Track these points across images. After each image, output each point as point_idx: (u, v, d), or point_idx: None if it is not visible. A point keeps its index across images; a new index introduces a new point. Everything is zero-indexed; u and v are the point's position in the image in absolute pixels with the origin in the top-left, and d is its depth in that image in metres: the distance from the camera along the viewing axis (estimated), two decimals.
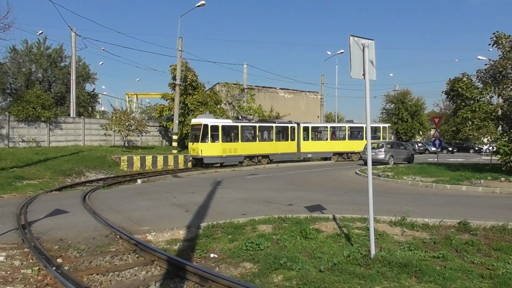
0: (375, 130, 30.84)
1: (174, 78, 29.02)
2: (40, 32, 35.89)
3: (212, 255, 6.45)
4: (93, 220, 8.87)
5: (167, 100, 32.45)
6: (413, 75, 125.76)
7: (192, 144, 23.71)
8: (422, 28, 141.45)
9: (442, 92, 20.55)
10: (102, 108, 55.22)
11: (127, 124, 27.52)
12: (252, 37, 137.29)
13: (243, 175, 20.13)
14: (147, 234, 7.71)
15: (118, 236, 7.41)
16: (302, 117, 37.53)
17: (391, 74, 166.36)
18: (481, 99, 18.54)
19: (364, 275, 5.34)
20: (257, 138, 26.40)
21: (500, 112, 18.39)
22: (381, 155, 25.65)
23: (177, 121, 28.44)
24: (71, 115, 28.88)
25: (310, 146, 29.32)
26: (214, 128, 23.40)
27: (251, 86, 40.91)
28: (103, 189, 14.75)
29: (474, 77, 19.13)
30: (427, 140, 55.01)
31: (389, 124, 32.89)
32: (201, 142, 22.88)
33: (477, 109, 17.99)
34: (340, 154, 30.24)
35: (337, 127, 31.46)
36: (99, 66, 59.91)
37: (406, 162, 26.92)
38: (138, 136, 30.10)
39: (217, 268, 5.87)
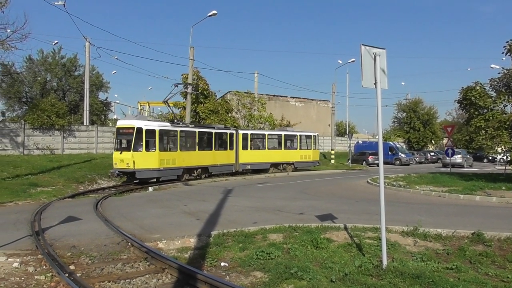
0: (306, 138, 29.26)
1: (185, 86, 29.27)
2: (55, 42, 36.91)
3: (222, 264, 6.45)
4: (105, 228, 8.95)
5: (178, 108, 32.69)
6: (425, 83, 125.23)
7: (120, 153, 18.21)
8: (435, 37, 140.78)
9: (455, 101, 20.42)
10: (115, 117, 55.82)
11: None
12: (263, 46, 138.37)
13: (253, 183, 20.15)
14: (158, 242, 7.75)
15: (129, 244, 7.46)
16: (313, 125, 37.50)
17: (403, 83, 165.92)
18: (494, 108, 18.33)
19: (376, 286, 5.29)
20: (197, 147, 21.28)
21: None
22: (459, 160, 34.88)
23: None
24: (85, 123, 29.30)
25: (249, 156, 25.31)
26: (150, 133, 18.24)
27: (262, 94, 41.05)
28: (115, 196, 14.87)
29: (487, 85, 18.96)
30: (440, 149, 54.37)
31: (318, 133, 31.65)
32: (133, 150, 17.75)
33: (491, 118, 17.77)
34: (276, 165, 27.02)
35: (273, 134, 28.13)
36: (112, 75, 60.80)
37: (469, 166, 35.86)
38: None
39: (227, 277, 5.86)
